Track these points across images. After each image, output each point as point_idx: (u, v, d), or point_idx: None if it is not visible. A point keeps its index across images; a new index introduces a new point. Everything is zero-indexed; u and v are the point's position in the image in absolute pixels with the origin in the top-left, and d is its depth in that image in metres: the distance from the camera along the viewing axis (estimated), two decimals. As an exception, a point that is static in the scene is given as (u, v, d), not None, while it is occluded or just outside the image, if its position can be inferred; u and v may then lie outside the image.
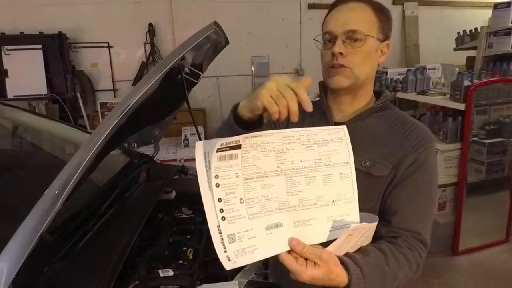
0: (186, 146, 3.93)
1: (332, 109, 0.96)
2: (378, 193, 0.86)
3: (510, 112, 2.86)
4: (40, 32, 4.20)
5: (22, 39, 4.10)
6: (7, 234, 0.80)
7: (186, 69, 1.28)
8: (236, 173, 0.64)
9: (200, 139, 1.62)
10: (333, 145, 0.71)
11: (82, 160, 0.87)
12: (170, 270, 1.15)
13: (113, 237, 1.18)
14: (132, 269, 1.15)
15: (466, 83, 2.49)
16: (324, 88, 0.99)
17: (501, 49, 3.23)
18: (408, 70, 3.24)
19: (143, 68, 4.69)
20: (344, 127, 0.74)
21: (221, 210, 0.63)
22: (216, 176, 0.63)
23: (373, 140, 0.87)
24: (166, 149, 3.89)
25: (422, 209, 0.87)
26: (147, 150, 1.92)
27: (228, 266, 0.64)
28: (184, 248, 1.29)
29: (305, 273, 0.65)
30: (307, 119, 0.94)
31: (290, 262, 0.66)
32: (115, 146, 1.54)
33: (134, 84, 4.71)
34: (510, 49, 3.15)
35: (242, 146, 0.65)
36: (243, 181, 0.65)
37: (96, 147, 0.88)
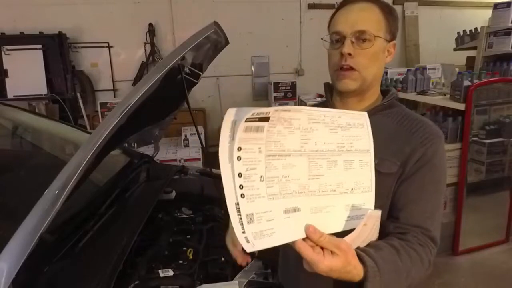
0: (186, 146, 3.93)
1: (339, 109, 0.96)
2: (387, 190, 0.85)
3: (510, 112, 2.86)
4: (40, 32, 4.21)
5: (22, 39, 4.10)
6: (7, 234, 0.80)
7: (186, 69, 1.28)
8: (259, 148, 0.60)
9: (200, 139, 1.63)
10: (355, 131, 0.69)
11: (82, 160, 0.87)
12: (170, 270, 1.15)
13: (113, 237, 1.18)
14: (132, 269, 1.15)
15: (466, 83, 2.49)
16: (329, 88, 1.00)
17: (501, 49, 3.23)
18: (408, 70, 3.24)
19: (143, 68, 4.69)
20: (365, 113, 0.72)
21: (241, 187, 0.59)
22: (239, 149, 0.58)
23: (380, 137, 0.85)
24: (166, 149, 3.89)
25: (430, 205, 0.85)
26: (147, 150, 1.92)
27: (248, 248, 0.59)
28: (184, 248, 1.29)
29: (323, 262, 0.61)
30: None
31: (306, 250, 0.61)
32: (115, 146, 1.54)
33: (134, 84, 4.71)
34: (510, 49, 3.15)
35: (270, 119, 0.60)
36: (265, 158, 0.61)
37: (96, 147, 0.89)
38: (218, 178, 1.76)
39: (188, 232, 1.40)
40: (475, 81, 2.51)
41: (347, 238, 0.66)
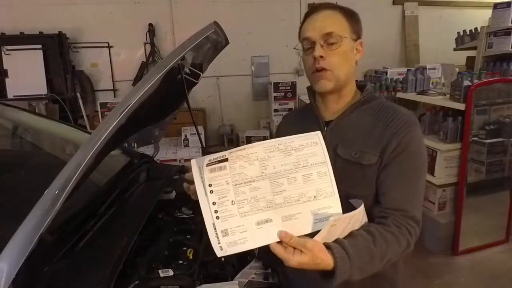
0: (186, 146, 3.93)
1: (321, 109, 1.06)
2: (371, 180, 0.95)
3: (510, 112, 2.86)
4: (40, 32, 4.21)
5: (22, 39, 4.10)
6: (7, 234, 0.80)
7: (186, 69, 1.28)
8: (227, 181, 0.77)
9: (200, 139, 1.63)
10: (309, 149, 0.81)
11: (82, 160, 0.87)
12: (170, 270, 1.15)
13: (113, 237, 1.18)
14: (132, 269, 1.15)
15: (466, 83, 2.49)
16: (312, 91, 1.09)
17: (501, 49, 3.23)
18: (408, 70, 3.24)
19: (143, 68, 4.69)
20: (319, 132, 0.83)
21: (216, 211, 0.76)
22: (210, 185, 0.77)
23: (360, 132, 0.97)
24: (166, 149, 3.89)
25: (410, 189, 0.93)
26: (147, 150, 1.92)
27: (219, 254, 0.77)
28: (184, 248, 1.28)
29: (292, 259, 0.74)
30: (302, 122, 1.09)
31: (278, 250, 0.76)
32: (115, 146, 1.54)
33: (134, 84, 4.71)
34: (510, 49, 3.15)
35: (229, 159, 0.78)
36: (233, 187, 0.77)
37: (96, 147, 0.88)
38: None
39: (188, 232, 1.40)
40: (475, 81, 2.51)
41: (317, 237, 0.77)
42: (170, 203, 1.61)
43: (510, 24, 3.14)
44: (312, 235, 0.78)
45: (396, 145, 0.92)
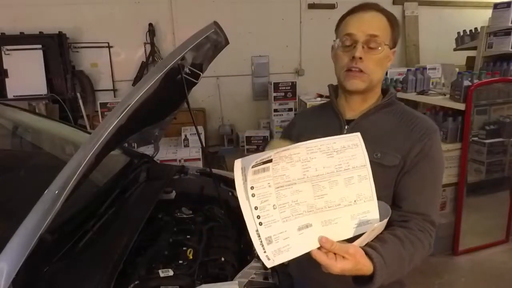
0: (186, 146, 3.94)
1: (344, 107, 1.05)
2: (390, 181, 0.95)
3: (510, 112, 2.86)
4: (40, 32, 4.21)
5: (22, 39, 4.11)
6: (7, 234, 0.80)
7: (186, 69, 1.28)
8: (269, 183, 0.74)
9: (200, 139, 1.63)
10: (350, 151, 0.79)
11: (82, 160, 0.87)
12: (170, 270, 1.15)
13: (113, 237, 1.18)
14: (132, 269, 1.15)
15: (466, 83, 2.49)
16: (333, 89, 1.09)
17: (501, 49, 3.23)
18: (408, 70, 3.24)
19: (143, 68, 4.70)
20: (359, 134, 0.80)
21: (258, 217, 0.73)
22: (252, 187, 0.73)
23: (382, 133, 0.97)
24: (166, 149, 3.89)
25: (430, 193, 0.95)
26: (147, 150, 1.92)
27: (268, 264, 0.73)
28: (184, 248, 1.28)
29: (336, 265, 0.73)
30: (320, 118, 1.09)
31: (321, 257, 0.73)
32: (115, 146, 1.54)
33: (134, 84, 4.72)
34: (510, 49, 3.15)
35: (273, 160, 0.74)
36: (275, 190, 0.74)
37: (96, 147, 0.89)
38: (217, 178, 1.77)
39: (188, 232, 1.40)
40: (475, 81, 2.51)
41: (356, 242, 0.76)
42: (170, 203, 1.61)
43: (510, 24, 3.14)
44: (347, 239, 0.77)
45: (420, 149, 0.93)
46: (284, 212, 0.74)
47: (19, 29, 4.19)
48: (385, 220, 0.80)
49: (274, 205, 0.73)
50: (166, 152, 3.82)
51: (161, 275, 1.13)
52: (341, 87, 1.03)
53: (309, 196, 0.76)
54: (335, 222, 0.77)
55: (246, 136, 4.77)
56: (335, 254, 0.74)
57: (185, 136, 3.93)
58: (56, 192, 0.84)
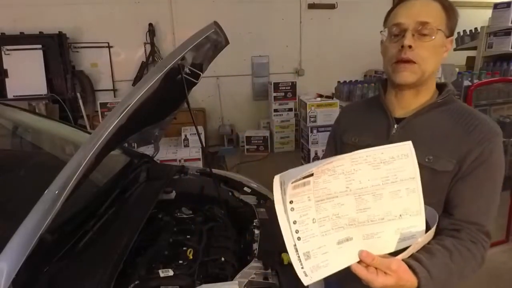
0: (186, 146, 3.93)
1: (393, 104, 0.96)
2: (442, 187, 0.87)
3: (510, 112, 2.86)
4: (40, 32, 4.21)
5: (22, 39, 4.11)
6: (7, 234, 0.80)
7: (186, 69, 1.28)
8: (309, 197, 0.70)
9: (200, 139, 1.63)
10: (399, 162, 0.73)
11: (82, 160, 0.87)
12: (170, 270, 1.15)
13: (113, 237, 1.18)
14: (132, 269, 1.15)
15: (466, 83, 2.49)
16: (382, 84, 1.00)
17: (501, 49, 3.23)
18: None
19: (143, 68, 4.70)
20: (410, 142, 0.74)
21: (297, 231, 0.70)
22: (291, 202, 0.69)
23: (436, 135, 0.88)
24: (166, 149, 3.89)
25: (486, 202, 0.87)
26: (147, 150, 1.92)
27: (306, 281, 0.70)
28: (184, 248, 1.28)
29: (377, 280, 0.69)
30: (367, 116, 1.00)
31: (361, 271, 0.70)
32: (115, 146, 1.54)
33: (134, 84, 4.72)
34: (510, 49, 3.15)
35: (314, 174, 0.70)
36: (315, 203, 0.71)
37: (96, 147, 0.89)
38: (217, 178, 1.77)
39: (188, 232, 1.40)
40: (475, 81, 2.51)
41: (400, 256, 0.72)
42: (170, 203, 1.61)
43: (510, 24, 3.14)
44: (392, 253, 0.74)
45: (478, 154, 0.84)
46: (323, 226, 0.71)
47: (19, 29, 4.19)
48: (432, 230, 0.76)
49: (313, 219, 0.71)
50: (166, 152, 3.82)
51: (161, 275, 1.13)
52: (390, 81, 0.94)
53: (351, 209, 0.72)
54: (378, 236, 0.74)
55: (246, 136, 4.77)
56: (376, 268, 0.71)
57: (185, 136, 3.93)
58: (56, 192, 0.84)
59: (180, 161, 3.64)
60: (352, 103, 1.19)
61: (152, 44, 4.64)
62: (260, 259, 1.23)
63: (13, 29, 4.20)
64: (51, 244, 1.02)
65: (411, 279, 0.71)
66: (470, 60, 3.84)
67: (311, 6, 5.06)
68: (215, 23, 1.15)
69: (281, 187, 0.70)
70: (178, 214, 1.54)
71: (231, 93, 5.15)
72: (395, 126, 0.93)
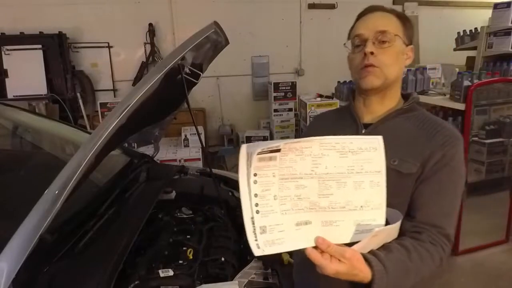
0: (186, 146, 3.93)
1: (361, 111, 1.02)
2: (407, 189, 0.91)
3: (510, 112, 2.86)
4: (40, 32, 4.21)
5: (22, 39, 4.10)
6: (7, 234, 0.80)
7: (186, 69, 1.28)
8: (273, 173, 0.71)
9: (200, 139, 1.63)
10: (367, 154, 0.75)
11: (82, 160, 0.87)
12: (170, 270, 1.15)
13: (113, 237, 1.18)
14: (132, 269, 1.15)
15: (466, 83, 2.49)
16: (352, 92, 1.07)
17: (501, 49, 3.23)
18: (408, 70, 3.24)
19: (143, 68, 4.69)
20: (380, 137, 0.77)
21: (256, 204, 0.70)
22: (255, 174, 0.70)
23: (402, 139, 0.93)
24: (166, 149, 3.89)
25: (447, 205, 0.90)
26: (147, 150, 1.92)
27: (257, 253, 0.71)
28: (184, 248, 1.28)
29: (330, 266, 0.71)
30: (337, 122, 1.06)
31: (315, 256, 0.71)
32: (115, 146, 1.54)
33: (134, 84, 4.71)
34: (510, 49, 3.15)
35: (281, 150, 0.71)
36: (279, 180, 0.71)
37: (96, 147, 0.89)
38: (217, 178, 1.77)
39: (188, 232, 1.40)
40: (475, 81, 2.51)
41: (355, 246, 0.73)
42: (170, 203, 1.61)
43: (510, 24, 3.14)
44: (348, 244, 0.75)
45: (440, 158, 0.88)
46: (284, 205, 0.72)
47: (19, 29, 4.19)
48: (393, 226, 0.77)
49: (275, 196, 0.71)
50: (166, 152, 3.82)
51: (161, 275, 1.13)
52: (357, 88, 1.01)
53: (313, 193, 0.73)
54: (336, 225, 0.74)
55: (246, 136, 4.77)
56: (331, 255, 0.72)
57: (185, 136, 3.93)
58: (56, 192, 0.84)
59: (180, 161, 3.64)
60: (325, 111, 1.25)
61: (152, 44, 4.64)
62: (260, 259, 1.23)
63: (13, 29, 4.19)
64: (51, 244, 1.02)
65: (365, 270, 0.73)
66: (470, 60, 3.84)
67: (311, 6, 5.06)
68: (215, 23, 1.15)
69: (247, 158, 0.70)
70: (178, 214, 1.54)
71: (231, 93, 5.15)
72: (363, 131, 0.98)
